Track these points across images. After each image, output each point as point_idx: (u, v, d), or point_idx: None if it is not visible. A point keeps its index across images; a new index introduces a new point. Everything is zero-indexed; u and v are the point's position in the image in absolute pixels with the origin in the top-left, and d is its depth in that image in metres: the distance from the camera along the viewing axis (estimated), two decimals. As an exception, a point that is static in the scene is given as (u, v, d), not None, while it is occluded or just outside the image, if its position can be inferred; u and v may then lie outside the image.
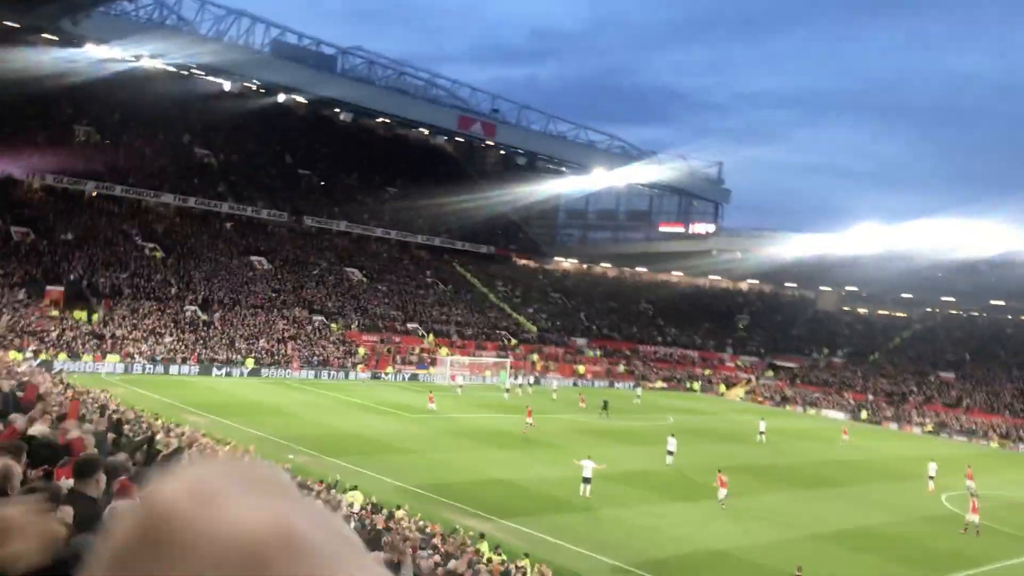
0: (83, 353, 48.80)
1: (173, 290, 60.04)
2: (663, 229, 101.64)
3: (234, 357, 54.87)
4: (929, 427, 67.04)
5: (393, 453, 34.43)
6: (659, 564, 23.55)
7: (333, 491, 23.91)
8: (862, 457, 47.35)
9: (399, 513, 23.05)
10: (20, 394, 13.17)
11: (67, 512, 4.68)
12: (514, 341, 75.30)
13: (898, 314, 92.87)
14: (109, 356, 49.62)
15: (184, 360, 52.47)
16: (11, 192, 62.40)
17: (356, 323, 66.79)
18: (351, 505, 22.55)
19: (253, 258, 70.28)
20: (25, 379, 20.84)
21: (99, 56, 66.19)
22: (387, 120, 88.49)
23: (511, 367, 66.89)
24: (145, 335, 53.28)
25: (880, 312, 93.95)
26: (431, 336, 69.77)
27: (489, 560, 19.97)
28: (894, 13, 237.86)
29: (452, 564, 12.28)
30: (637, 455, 38.81)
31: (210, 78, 76.81)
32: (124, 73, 70.02)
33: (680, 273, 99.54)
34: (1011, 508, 36.23)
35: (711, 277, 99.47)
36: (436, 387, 56.85)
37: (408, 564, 7.18)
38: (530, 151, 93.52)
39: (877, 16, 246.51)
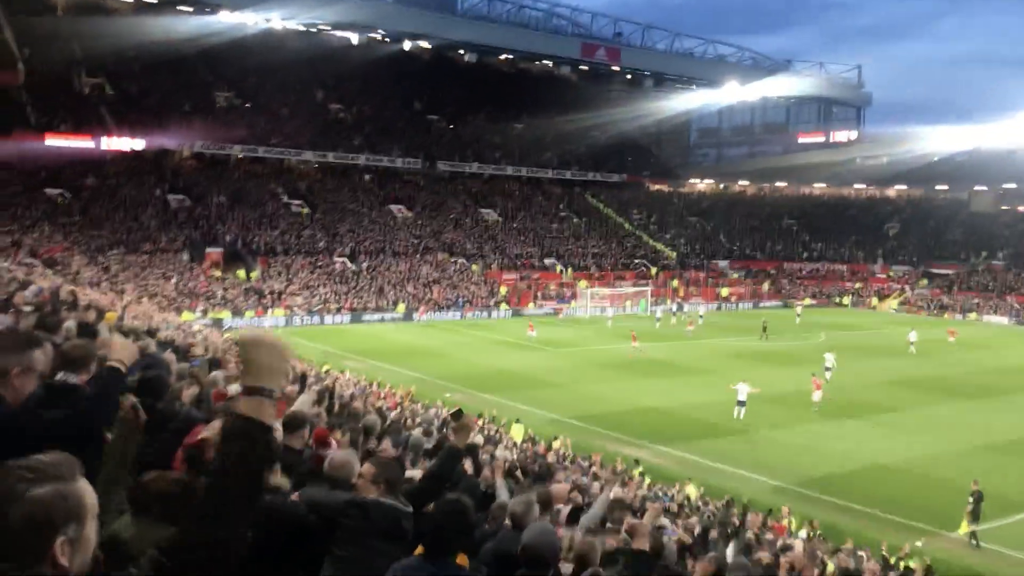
0: (246, 309, 51.70)
1: (321, 244, 62.57)
2: (802, 140, 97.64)
3: (384, 304, 56.88)
4: (1108, 327, 62.51)
5: (542, 386, 35.13)
6: (822, 481, 23.30)
7: (493, 425, 24.74)
8: (1032, 363, 44.79)
9: (556, 444, 23.66)
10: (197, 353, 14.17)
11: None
12: (654, 269, 74.69)
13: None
14: (271, 311, 52.35)
15: (338, 310, 54.81)
16: (165, 163, 66.18)
17: (495, 263, 67.82)
18: (514, 439, 23.25)
19: (392, 207, 72.15)
20: (200, 338, 22.43)
21: (233, 21, 68.79)
22: (510, 56, 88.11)
23: (652, 295, 66.51)
24: (300, 288, 55.94)
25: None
26: (569, 270, 70.08)
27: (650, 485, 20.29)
28: None
29: (617, 492, 12.58)
30: (791, 376, 38.07)
31: (337, 33, 78.46)
32: (256, 36, 72.45)
33: (823, 184, 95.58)
34: None
35: (856, 186, 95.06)
36: (585, 321, 57.27)
37: (600, 502, 7.42)
38: (657, 72, 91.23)
39: None
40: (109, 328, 10.53)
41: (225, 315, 49.99)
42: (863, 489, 22.81)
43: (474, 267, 66.22)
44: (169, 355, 10.03)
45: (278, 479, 4.88)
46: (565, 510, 7.64)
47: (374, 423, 9.56)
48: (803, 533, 18.23)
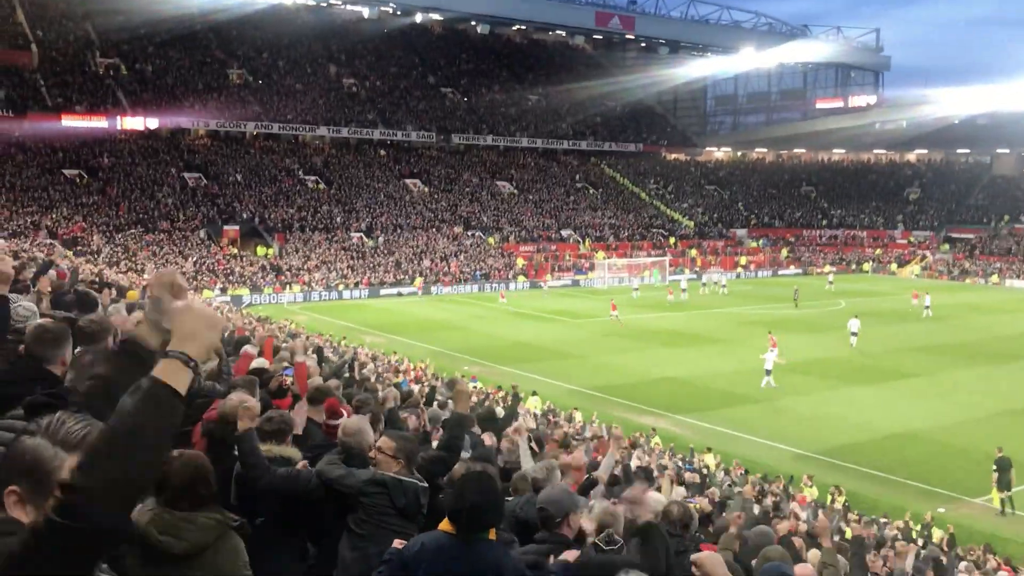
0: (264, 286, 51.97)
1: (338, 219, 62.68)
2: (820, 105, 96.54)
3: (401, 278, 57.00)
4: None
5: (561, 358, 35.16)
6: (844, 449, 23.23)
7: (510, 397, 24.78)
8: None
9: (576, 415, 23.69)
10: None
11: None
12: (671, 238, 74.39)
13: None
14: (289, 287, 52.58)
15: (356, 285, 54.99)
16: (180, 141, 66.34)
17: (512, 235, 67.74)
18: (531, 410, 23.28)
19: (408, 181, 72.09)
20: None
21: (244, -3, 68.72)
22: (523, 27, 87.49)
23: (670, 264, 66.30)
24: (318, 264, 56.13)
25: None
26: (587, 241, 69.92)
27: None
28: None
29: (637, 460, 12.58)
30: (814, 343, 37.94)
31: (348, 7, 78.04)
32: (267, 11, 72.29)
33: (842, 150, 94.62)
34: None
35: (875, 151, 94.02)
36: (602, 292, 57.26)
37: (604, 465, 7.43)
38: (672, 39, 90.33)
39: None
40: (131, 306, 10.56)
41: (244, 292, 50.28)
42: (885, 456, 22.73)
43: (490, 240, 66.17)
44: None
45: (288, 450, 4.90)
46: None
47: (393, 396, 9.59)
48: (835, 504, 18.21)
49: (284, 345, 14.87)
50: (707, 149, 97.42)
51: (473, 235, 66.14)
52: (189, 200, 59.50)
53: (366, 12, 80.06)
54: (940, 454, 23.12)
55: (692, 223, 79.05)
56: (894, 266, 75.03)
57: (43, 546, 1.72)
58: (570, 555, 4.24)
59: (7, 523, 1.91)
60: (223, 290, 49.31)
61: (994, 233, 78.22)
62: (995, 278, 68.52)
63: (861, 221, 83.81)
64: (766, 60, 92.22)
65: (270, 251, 56.76)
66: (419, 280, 56.84)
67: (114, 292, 15.52)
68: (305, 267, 55.48)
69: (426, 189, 71.67)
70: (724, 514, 10.88)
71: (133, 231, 53.27)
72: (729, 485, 17.69)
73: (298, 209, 62.50)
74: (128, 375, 2.14)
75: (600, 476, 7.15)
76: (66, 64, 64.21)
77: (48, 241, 45.26)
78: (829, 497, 18.82)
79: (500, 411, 19.76)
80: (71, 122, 59.26)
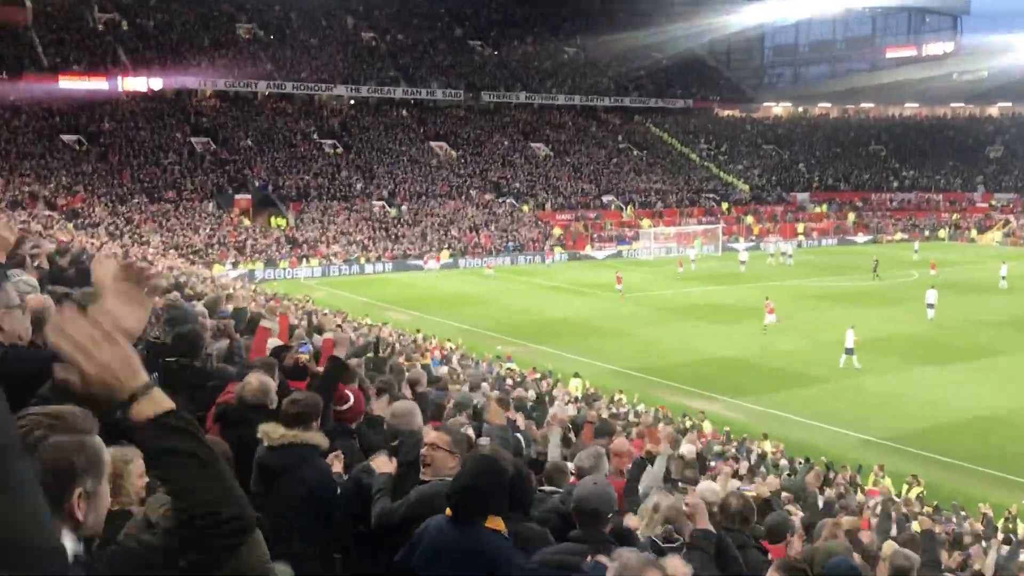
0: (279, 260, 52.42)
1: (358, 187, 62.94)
2: (891, 55, 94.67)
3: (427, 250, 57.16)
4: None
5: (602, 335, 35.16)
6: (915, 436, 23.01)
7: (548, 380, 24.86)
8: None
9: (619, 398, 23.70)
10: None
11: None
12: (725, 204, 73.80)
13: None
14: (306, 261, 52.98)
15: (378, 258, 55.27)
16: (187, 103, 66.86)
17: (548, 202, 67.58)
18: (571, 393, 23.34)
19: (433, 144, 72.11)
20: (230, 292, 22.79)
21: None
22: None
23: (723, 233, 65.78)
24: (336, 236, 56.46)
25: None
26: (630, 208, 69.59)
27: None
28: None
29: (686, 449, 12.54)
30: (887, 317, 37.53)
31: (365, -47, 77.88)
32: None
33: (915, 104, 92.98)
34: None
35: (953, 104, 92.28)
36: (648, 264, 57.07)
37: (663, 457, 7.39)
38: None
39: None
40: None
41: (258, 266, 50.78)
42: (963, 443, 22.47)
43: (524, 207, 66.09)
44: (200, 308, 10.20)
45: (315, 436, 4.94)
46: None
47: (419, 377, 9.65)
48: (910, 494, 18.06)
49: (302, 323, 15.02)
50: (764, 105, 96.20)
51: (505, 202, 66.09)
52: (197, 167, 60.04)
53: (386, -42, 79.89)
54: (1025, 440, 22.82)
55: (748, 187, 78.32)
56: (973, 232, 73.84)
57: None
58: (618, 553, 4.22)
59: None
60: (235, 264, 49.81)
61: (1088, 194, 76.70)
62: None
63: (936, 183, 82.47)
64: (830, 4, 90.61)
65: (285, 222, 57.18)
66: (446, 252, 56.97)
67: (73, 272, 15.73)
68: (323, 239, 55.85)
69: (453, 152, 71.65)
70: (789, 508, 10.85)
71: (137, 201, 53.91)
72: (788, 475, 17.62)
73: (314, 176, 62.83)
74: None
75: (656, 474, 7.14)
76: (62, 20, 64.85)
77: (47, 213, 46.01)
78: (905, 487, 18.66)
79: (532, 395, 19.90)
80: (69, 83, 59.93)
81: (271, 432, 4.84)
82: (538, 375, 25.82)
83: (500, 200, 66.33)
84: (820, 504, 13.02)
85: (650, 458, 7.20)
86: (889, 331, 34.99)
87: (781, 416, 24.83)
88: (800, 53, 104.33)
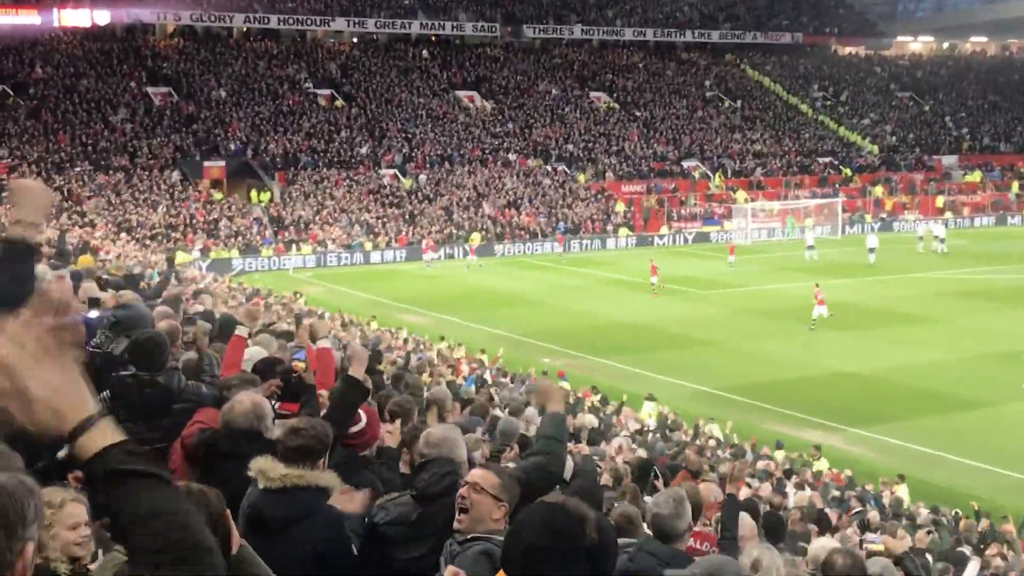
0: (262, 246, 52.84)
1: (363, 150, 63.24)
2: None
3: (452, 232, 57.26)
4: None
5: (683, 345, 35.01)
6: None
7: (610, 403, 24.87)
8: None
9: (708, 428, 23.64)
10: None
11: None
12: (846, 170, 73.17)
13: None
14: (295, 247, 53.30)
15: (388, 243, 55.50)
16: (142, 44, 67.61)
17: (611, 169, 67.46)
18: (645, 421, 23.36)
19: (460, 93, 72.24)
20: (199, 287, 23.05)
21: None
22: None
23: (844, 210, 65.15)
24: (335, 214, 56.76)
25: None
26: (719, 176, 69.22)
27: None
28: None
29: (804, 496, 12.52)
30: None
31: None
32: None
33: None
34: None
35: None
36: (744, 249, 56.73)
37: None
38: None
39: None
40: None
41: (233, 254, 51.23)
42: None
43: (580, 176, 66.01)
44: (162, 308, 10.31)
45: (323, 476, 4.95)
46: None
47: (443, 398, 9.69)
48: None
49: (288, 324, 15.19)
50: (898, 39, 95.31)
51: (554, 170, 66.05)
52: (155, 126, 60.66)
53: None
54: None
55: (876, 148, 77.61)
56: None
57: None
58: None
59: None
60: (203, 251, 50.26)
61: None
62: None
63: None
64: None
65: (268, 197, 57.55)
66: (477, 236, 57.04)
67: (52, 254, 16.01)
68: (317, 218, 56.18)
69: (487, 105, 71.75)
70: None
71: (79, 170, 54.54)
72: (928, 531, 17.47)
73: (307, 136, 63.24)
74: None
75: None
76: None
77: (-36, 186, 46.67)
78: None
79: (592, 420, 19.93)
80: (-10, 19, 60.77)
81: (268, 470, 4.81)
82: (598, 397, 25.82)
83: (548, 167, 66.30)
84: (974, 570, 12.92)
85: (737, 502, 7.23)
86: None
87: (921, 452, 24.59)
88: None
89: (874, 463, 23.66)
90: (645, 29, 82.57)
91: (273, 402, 6.66)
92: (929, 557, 13.32)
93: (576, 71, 78.49)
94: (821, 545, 6.29)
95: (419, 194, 60.69)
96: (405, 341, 28.55)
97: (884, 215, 67.06)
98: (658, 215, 63.29)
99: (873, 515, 16.72)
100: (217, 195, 56.93)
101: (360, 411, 6.52)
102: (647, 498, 8.51)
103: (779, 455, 22.15)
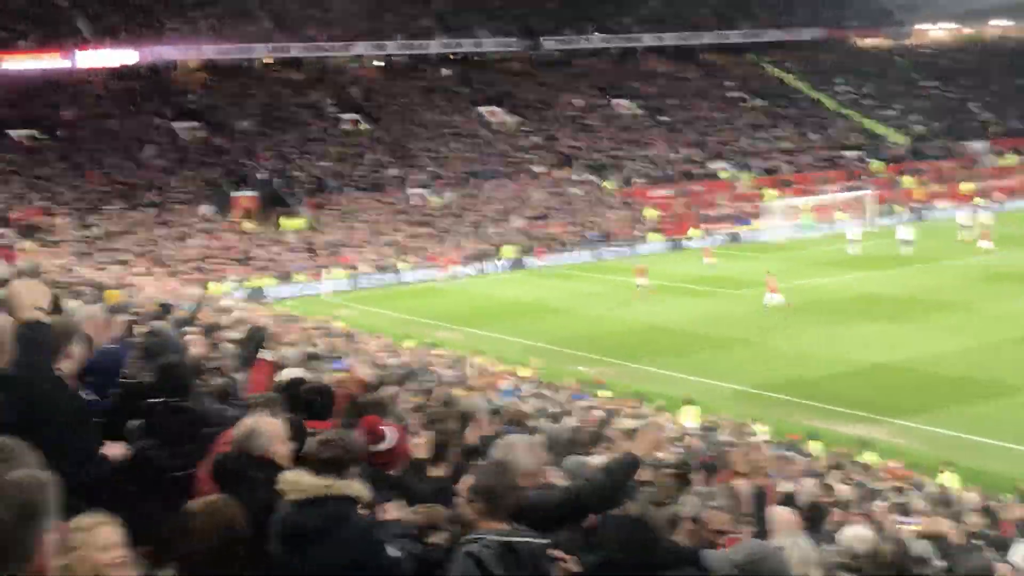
0: (294, 272, 53.02)
1: (390, 172, 63.46)
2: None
3: (484, 247, 57.27)
4: None
5: (719, 346, 35.02)
6: None
7: (647, 406, 24.76)
8: None
9: (755, 428, 23.52)
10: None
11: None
12: (874, 162, 72.78)
13: None
14: (328, 272, 53.42)
15: (420, 263, 55.51)
16: (167, 80, 68.16)
17: (638, 175, 67.38)
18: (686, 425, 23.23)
19: (483, 109, 72.43)
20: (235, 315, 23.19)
21: None
22: None
23: (876, 201, 64.68)
24: (366, 237, 56.90)
25: None
26: (747, 176, 69.01)
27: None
28: None
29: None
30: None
31: None
32: None
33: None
34: None
35: None
36: (775, 248, 56.49)
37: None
38: None
39: None
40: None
41: (268, 282, 51.37)
42: None
43: (607, 184, 65.97)
44: (194, 337, 10.38)
45: (352, 485, 4.96)
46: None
47: (474, 409, 9.66)
48: None
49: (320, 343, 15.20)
50: (919, 28, 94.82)
51: (582, 179, 66.04)
52: (184, 160, 61.12)
53: None
54: None
55: (905, 138, 77.15)
56: None
57: None
58: None
59: None
60: (239, 282, 50.47)
61: None
62: None
63: None
64: None
65: (299, 223, 57.78)
66: (507, 249, 57.02)
67: (87, 293, 16.16)
68: (348, 241, 56.35)
69: (511, 119, 71.86)
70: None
71: (110, 208, 54.94)
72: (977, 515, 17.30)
73: (334, 161, 63.53)
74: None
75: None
76: (5, -15, 66.43)
77: (-1, 230, 47.15)
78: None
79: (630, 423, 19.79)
80: (16, 63, 61.36)
81: (297, 482, 4.87)
82: (636, 404, 25.72)
83: (575, 177, 66.29)
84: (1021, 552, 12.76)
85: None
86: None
87: (966, 439, 24.41)
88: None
89: (920, 453, 23.51)
90: (663, 34, 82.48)
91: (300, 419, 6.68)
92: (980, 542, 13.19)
93: (598, 81, 78.52)
94: (854, 533, 6.23)
95: (448, 211, 60.82)
96: (441, 356, 28.55)
97: (915, 205, 66.51)
98: (688, 218, 63.07)
99: (916, 502, 16.60)
100: (248, 224, 57.21)
101: (384, 428, 6.54)
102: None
103: (816, 446, 22.05)
